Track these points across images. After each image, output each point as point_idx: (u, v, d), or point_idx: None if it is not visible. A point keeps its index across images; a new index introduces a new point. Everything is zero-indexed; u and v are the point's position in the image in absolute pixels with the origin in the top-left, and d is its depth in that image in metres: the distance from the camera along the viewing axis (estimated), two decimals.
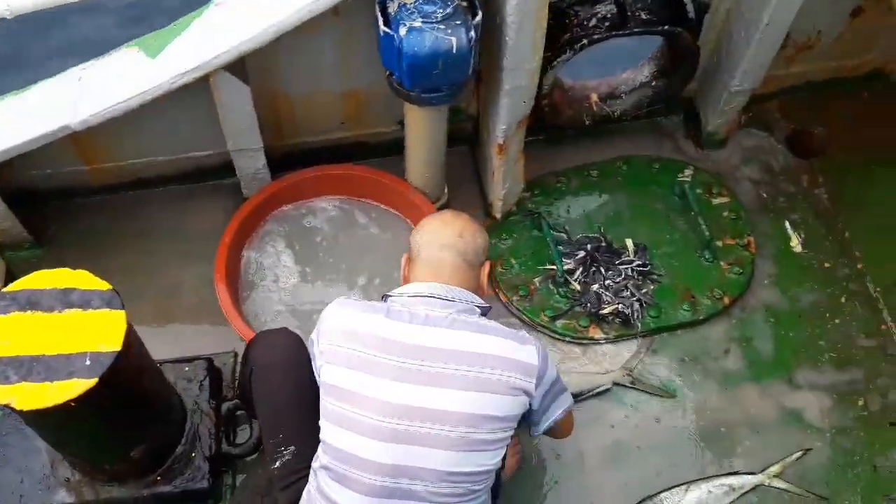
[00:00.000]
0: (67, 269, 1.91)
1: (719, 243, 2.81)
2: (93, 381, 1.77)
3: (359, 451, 1.73)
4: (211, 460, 2.31)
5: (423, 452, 1.71)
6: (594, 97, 2.80)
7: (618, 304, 2.67)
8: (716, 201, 2.91)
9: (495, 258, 2.78)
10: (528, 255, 2.80)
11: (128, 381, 1.92)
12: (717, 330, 2.70)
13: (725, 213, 2.88)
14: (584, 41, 2.45)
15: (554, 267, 2.72)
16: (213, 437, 2.34)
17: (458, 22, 2.06)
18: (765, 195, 2.98)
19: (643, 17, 2.49)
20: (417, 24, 2.04)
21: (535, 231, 2.83)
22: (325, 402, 1.79)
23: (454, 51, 2.05)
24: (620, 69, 2.86)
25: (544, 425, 1.93)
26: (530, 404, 1.82)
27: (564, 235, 2.83)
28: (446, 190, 2.86)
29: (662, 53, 2.76)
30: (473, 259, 1.90)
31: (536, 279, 2.75)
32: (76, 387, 1.77)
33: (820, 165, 3.05)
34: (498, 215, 2.83)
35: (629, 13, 2.46)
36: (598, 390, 2.58)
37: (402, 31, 2.04)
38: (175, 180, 2.86)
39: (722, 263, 2.78)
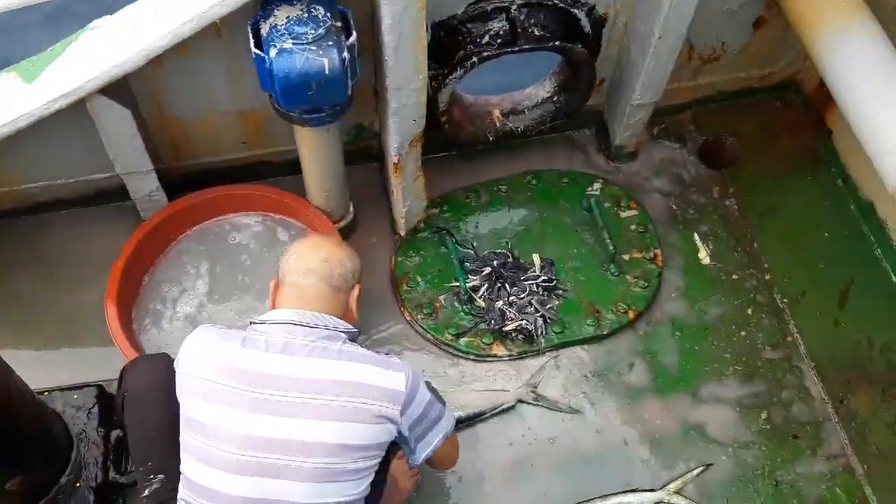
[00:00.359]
0: None
1: (626, 257, 2.81)
2: None
3: (216, 485, 1.69)
4: (97, 490, 2.27)
5: (281, 485, 1.68)
6: (496, 113, 2.79)
7: (521, 320, 2.65)
8: (624, 214, 2.91)
9: (401, 276, 2.76)
10: (434, 273, 2.78)
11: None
12: (622, 344, 2.69)
13: (633, 227, 2.87)
14: (475, 59, 2.44)
15: (458, 284, 2.70)
16: (100, 465, 2.30)
17: (329, 43, 2.03)
18: (675, 207, 2.98)
19: (536, 33, 2.47)
20: (288, 45, 2.01)
21: (442, 248, 2.81)
22: (184, 435, 1.75)
23: (326, 72, 2.02)
24: (529, 82, 2.85)
25: (422, 454, 1.89)
26: (399, 431, 1.80)
27: (472, 251, 2.81)
28: (351, 209, 2.83)
29: (562, 69, 2.75)
30: (340, 283, 1.87)
31: (442, 297, 2.73)
32: None
33: (730, 175, 3.05)
34: (402, 232, 2.80)
35: (521, 30, 2.45)
36: (501, 408, 2.56)
37: (273, 52, 2.01)
38: (75, 203, 2.81)
39: (628, 277, 2.77)
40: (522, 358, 2.65)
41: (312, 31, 2.03)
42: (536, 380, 2.60)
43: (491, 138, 2.82)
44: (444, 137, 2.75)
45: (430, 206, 2.89)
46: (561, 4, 2.47)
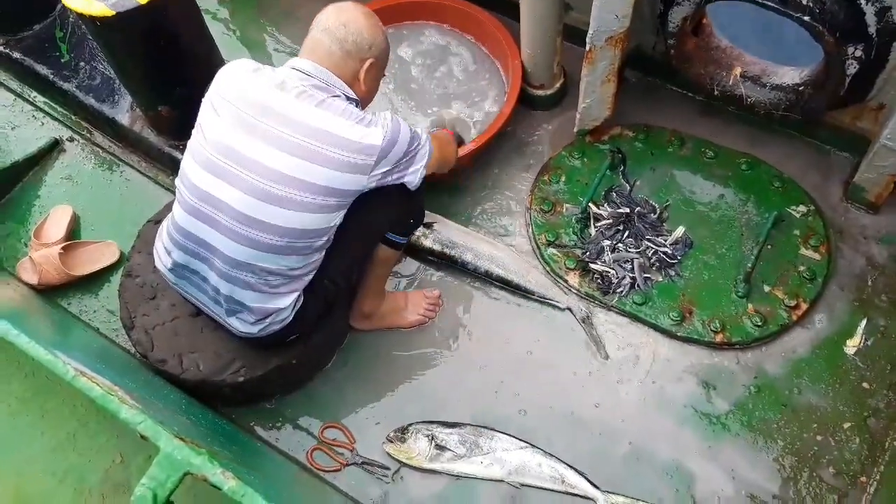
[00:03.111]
0: None
1: (766, 288, 2.45)
2: (110, 12, 2.22)
3: (189, 173, 1.98)
4: None
5: (227, 189, 1.91)
6: (738, 70, 2.49)
7: (612, 269, 2.50)
8: (804, 252, 2.50)
9: (553, 166, 2.73)
10: (580, 182, 2.69)
11: (150, 33, 2.33)
12: (689, 357, 2.42)
13: (802, 268, 2.47)
14: None
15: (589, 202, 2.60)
16: None
17: None
18: (870, 284, 2.47)
19: (803, 1, 2.14)
20: None
21: (605, 167, 2.69)
22: (193, 135, 2.03)
23: None
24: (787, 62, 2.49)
25: (413, 179, 2.03)
26: (374, 177, 1.92)
27: (627, 187, 2.65)
28: (559, 84, 2.80)
29: (824, 63, 2.35)
30: (352, 49, 1.95)
31: (568, 204, 2.65)
32: (103, 11, 2.22)
33: None
34: (574, 129, 2.72)
35: None
36: (552, 301, 2.51)
37: None
38: None
39: (750, 306, 2.43)
40: (588, 300, 2.52)
41: None
42: (595, 314, 2.48)
43: (716, 92, 2.54)
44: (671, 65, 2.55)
45: (631, 129, 2.75)
46: None
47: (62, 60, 2.98)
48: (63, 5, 3.05)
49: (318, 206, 1.90)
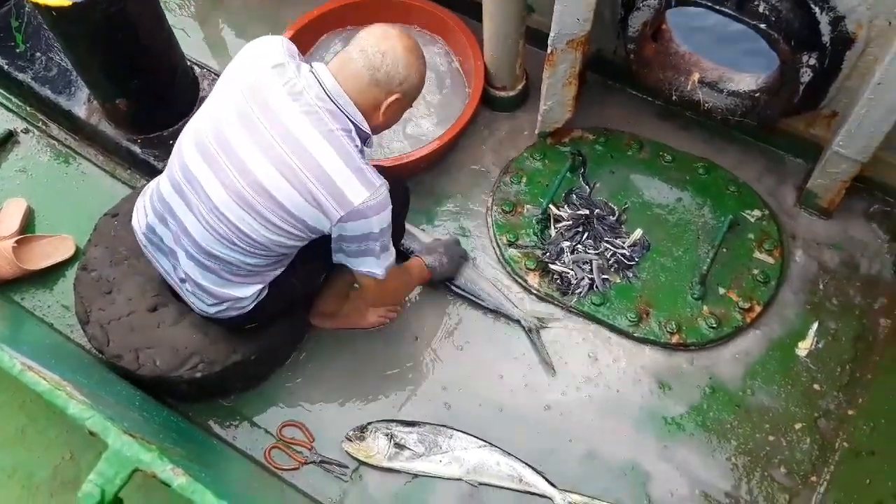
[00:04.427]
0: None
1: (721, 290, 2.49)
2: (67, 2, 2.18)
3: (184, 144, 1.95)
4: None
5: (211, 178, 1.88)
6: (696, 76, 2.53)
7: (571, 270, 2.53)
8: (758, 255, 2.54)
9: (514, 167, 2.74)
10: (541, 184, 2.71)
11: (108, 24, 2.31)
12: (645, 356, 2.45)
13: (756, 272, 2.51)
14: None
15: (549, 204, 2.62)
16: None
17: None
18: (822, 287, 2.53)
19: (760, 8, 2.18)
20: None
21: (566, 169, 2.71)
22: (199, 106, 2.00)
23: None
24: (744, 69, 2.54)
25: (351, 265, 1.99)
26: (332, 231, 1.88)
27: (587, 189, 2.68)
28: (521, 86, 2.82)
29: (779, 70, 2.40)
30: (382, 79, 1.86)
31: (528, 206, 2.67)
32: (60, 1, 2.19)
33: None
34: (536, 130, 2.75)
35: None
36: (503, 311, 2.51)
37: None
38: None
39: (704, 308, 2.47)
40: (546, 301, 2.54)
41: None
42: (546, 323, 2.49)
43: (675, 97, 2.59)
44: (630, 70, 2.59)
45: (591, 132, 2.78)
46: None
47: (17, 50, 2.92)
48: None
49: (284, 231, 1.88)
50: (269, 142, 1.82)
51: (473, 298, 2.52)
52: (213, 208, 1.89)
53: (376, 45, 1.86)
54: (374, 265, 1.98)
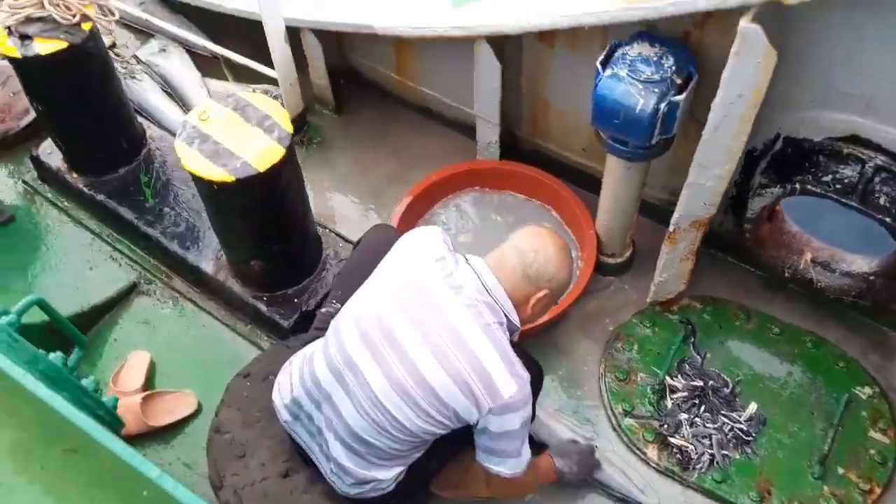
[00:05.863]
0: (280, 106, 2.47)
1: (840, 470, 2.50)
2: (230, 178, 2.33)
3: (343, 328, 2.01)
4: (303, 317, 2.77)
5: (372, 366, 1.94)
6: (808, 256, 2.63)
7: (691, 444, 2.55)
8: (873, 435, 2.56)
9: (625, 333, 2.81)
10: (653, 352, 2.77)
11: (263, 197, 2.45)
12: None
13: (874, 452, 2.53)
14: (799, 187, 2.35)
15: (659, 373, 2.67)
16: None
17: (656, 90, 2.17)
18: None
19: (881, 201, 2.29)
20: (622, 73, 2.20)
21: (676, 337, 2.78)
22: (361, 288, 2.08)
23: (636, 111, 2.18)
24: (855, 247, 2.64)
25: (484, 460, 2.05)
26: (477, 422, 1.93)
27: (698, 359, 2.74)
28: (629, 253, 2.93)
29: None
30: (533, 275, 1.97)
31: (642, 374, 2.72)
32: (224, 177, 2.34)
33: None
34: (648, 299, 2.83)
35: (867, 189, 2.29)
36: (629, 498, 2.51)
37: (608, 72, 2.22)
38: (440, 119, 3.38)
39: (825, 488, 2.47)
40: (664, 476, 2.55)
41: (649, 73, 2.19)
42: None
43: (787, 275, 2.68)
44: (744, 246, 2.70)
45: (699, 300, 2.86)
46: None
47: (146, 205, 3.07)
48: (149, 150, 3.20)
49: (435, 420, 1.94)
50: (431, 333, 1.89)
51: (603, 485, 2.53)
52: (372, 396, 1.95)
53: (530, 243, 1.99)
54: (510, 466, 2.03)
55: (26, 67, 2.80)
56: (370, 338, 1.95)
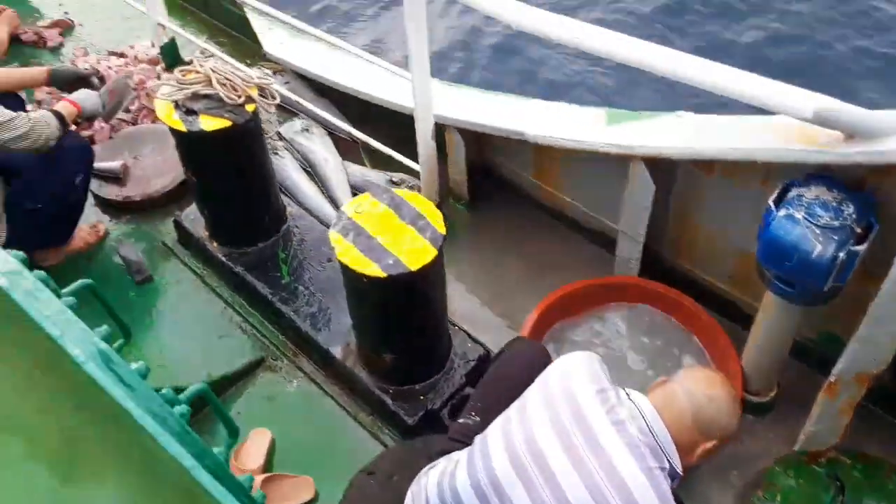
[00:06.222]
0: (434, 207, 2.49)
1: None
2: (382, 274, 2.33)
3: (492, 448, 1.92)
4: (427, 416, 2.71)
5: (521, 493, 1.84)
6: None
7: None
8: None
9: (767, 481, 2.63)
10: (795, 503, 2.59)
11: (410, 294, 2.45)
12: None
13: None
14: None
15: None
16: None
17: (835, 237, 2.07)
18: None
19: None
20: (798, 215, 2.12)
21: (826, 494, 2.59)
22: (511, 407, 2.00)
23: (812, 256, 2.08)
24: None
25: None
26: None
27: None
28: (774, 393, 2.78)
29: None
30: (703, 423, 1.86)
31: None
32: (376, 272, 2.34)
33: None
34: (795, 447, 2.66)
35: None
36: None
37: (782, 212, 2.14)
38: (584, 232, 3.32)
39: None
40: None
41: (828, 219, 2.09)
42: None
43: None
44: None
45: (848, 455, 2.67)
46: None
47: (282, 281, 3.11)
48: (288, 227, 3.27)
49: None
50: (587, 466, 1.79)
51: None
52: None
53: (705, 389, 1.88)
54: None
55: (189, 141, 2.92)
56: (520, 461, 1.86)
